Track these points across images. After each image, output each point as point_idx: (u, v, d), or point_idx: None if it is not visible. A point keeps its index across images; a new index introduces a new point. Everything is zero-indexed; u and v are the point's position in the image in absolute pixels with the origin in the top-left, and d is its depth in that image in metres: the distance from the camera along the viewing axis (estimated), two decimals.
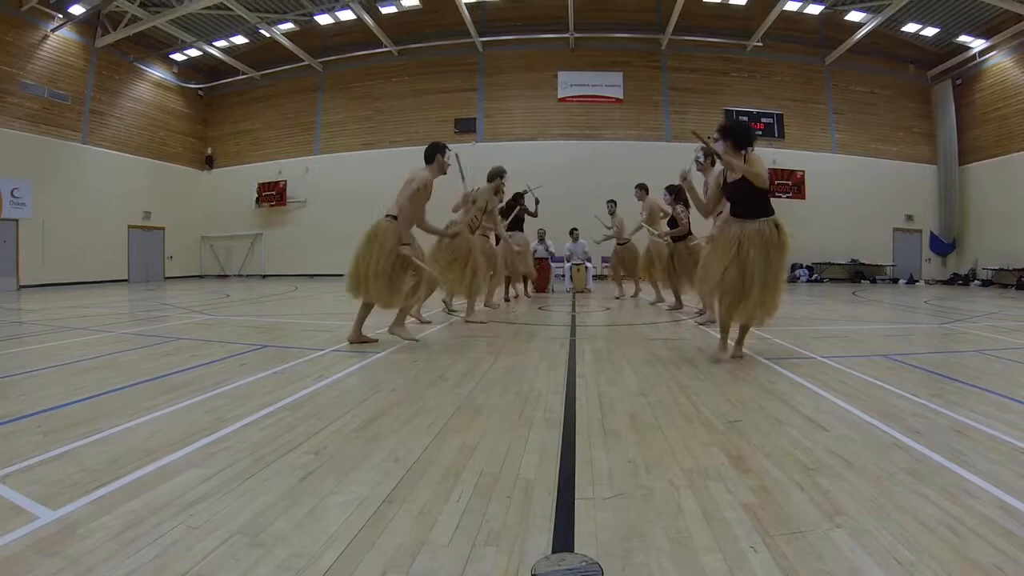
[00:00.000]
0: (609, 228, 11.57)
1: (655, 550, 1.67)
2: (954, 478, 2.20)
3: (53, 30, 17.17)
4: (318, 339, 5.96)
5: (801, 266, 19.59)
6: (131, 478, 2.13)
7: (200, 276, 22.68)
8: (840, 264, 19.75)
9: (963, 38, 19.15)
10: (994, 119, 18.85)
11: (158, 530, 1.72)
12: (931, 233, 20.48)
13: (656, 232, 9.20)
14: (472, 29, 19.47)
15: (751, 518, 1.86)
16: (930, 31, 19.45)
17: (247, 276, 22.16)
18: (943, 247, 20.32)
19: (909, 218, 20.40)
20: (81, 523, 1.77)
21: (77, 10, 17.30)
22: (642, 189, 9.77)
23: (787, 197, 19.59)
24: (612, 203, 11.54)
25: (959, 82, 20.09)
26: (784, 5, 17.83)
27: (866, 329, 7.27)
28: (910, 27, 19.42)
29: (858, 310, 9.97)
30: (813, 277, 19.57)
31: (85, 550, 1.61)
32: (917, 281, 19.67)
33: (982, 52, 18.99)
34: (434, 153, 5.76)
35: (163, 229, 21.26)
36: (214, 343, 5.67)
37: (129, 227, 19.98)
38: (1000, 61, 18.60)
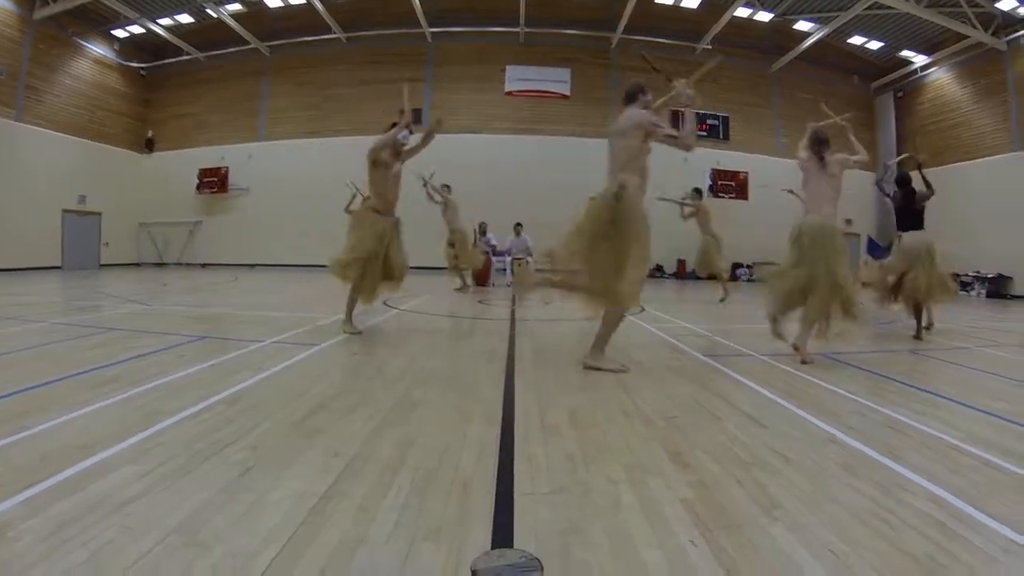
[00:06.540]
0: None
1: (594, 545, 1.70)
2: (888, 473, 2.31)
3: None
4: (258, 330, 5.86)
5: (742, 265, 20.08)
6: (62, 477, 2.07)
7: (137, 264, 21.90)
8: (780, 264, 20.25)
9: (906, 53, 19.92)
10: (932, 131, 19.67)
11: (91, 531, 1.68)
12: (869, 237, 21.25)
13: None
14: (423, 19, 19.28)
15: (690, 513, 1.91)
16: (875, 44, 20.19)
17: (186, 265, 21.50)
18: (880, 250, 21.10)
19: (848, 222, 21.08)
20: (10, 525, 1.71)
21: None
22: None
23: (730, 198, 20.06)
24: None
25: (900, 95, 20.91)
26: (734, 11, 18.20)
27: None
28: (856, 39, 20.09)
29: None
30: (753, 277, 20.07)
31: (14, 554, 1.56)
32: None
33: (923, 67, 19.82)
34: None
35: (99, 214, 20.41)
36: (150, 334, 5.51)
37: (63, 211, 19.08)
38: (940, 77, 19.45)
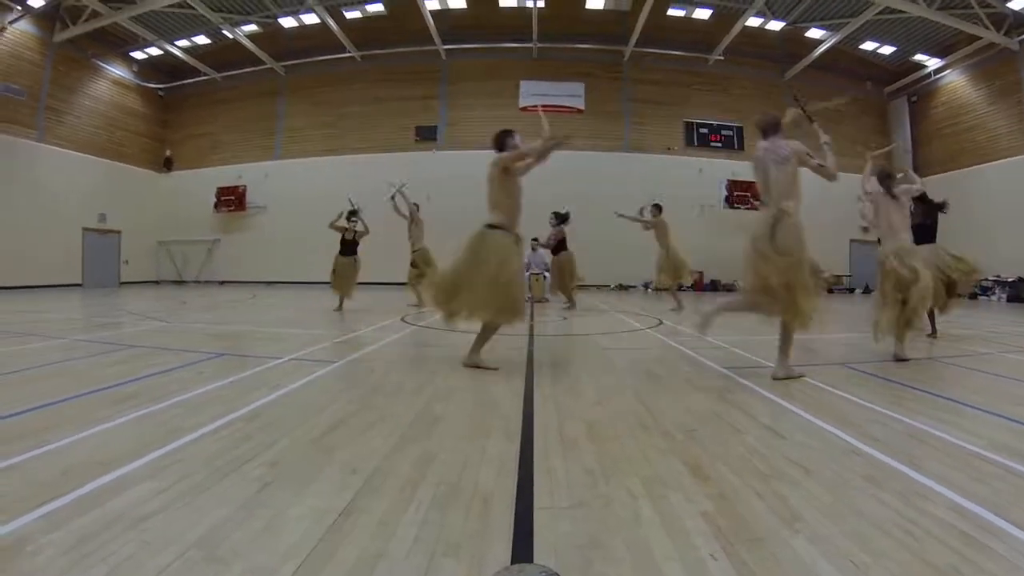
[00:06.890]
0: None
1: (615, 560, 1.68)
2: (910, 482, 2.27)
3: (11, 22, 16.65)
4: (276, 347, 5.90)
5: None
6: (82, 492, 2.08)
7: (156, 282, 22.17)
8: None
9: (919, 56, 19.86)
10: (947, 135, 19.53)
11: (110, 546, 1.69)
12: None
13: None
14: (436, 37, 19.46)
15: (710, 526, 1.88)
16: (888, 49, 20.14)
17: (204, 282, 21.73)
18: None
19: (865, 230, 20.90)
20: (30, 539, 1.72)
21: (36, 2, 16.85)
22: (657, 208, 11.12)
23: (746, 208, 19.98)
24: (554, 215, 12.50)
25: (914, 99, 20.81)
26: (746, 21, 18.23)
27: (823, 338, 7.43)
28: (868, 45, 20.07)
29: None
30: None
31: (35, 567, 1.57)
32: (873, 291, 20.12)
33: (937, 70, 19.73)
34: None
35: (119, 233, 20.73)
36: (170, 351, 5.55)
37: (84, 230, 19.44)
38: (954, 80, 19.33)
